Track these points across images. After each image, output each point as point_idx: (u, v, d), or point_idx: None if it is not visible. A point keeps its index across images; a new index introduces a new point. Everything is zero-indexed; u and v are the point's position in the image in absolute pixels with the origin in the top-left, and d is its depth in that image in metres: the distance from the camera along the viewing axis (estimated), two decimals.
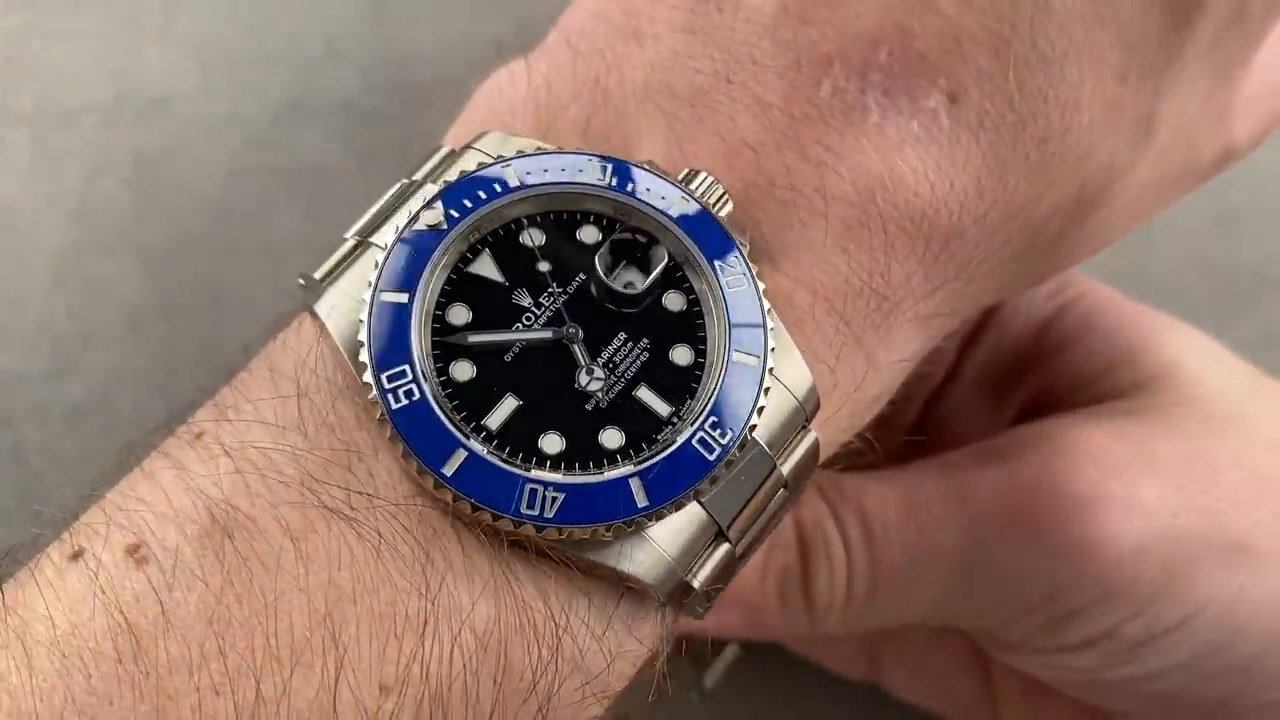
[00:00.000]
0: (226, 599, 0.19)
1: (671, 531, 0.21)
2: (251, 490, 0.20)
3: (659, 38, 0.23)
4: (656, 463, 0.20)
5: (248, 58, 0.45)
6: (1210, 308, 0.42)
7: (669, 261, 0.22)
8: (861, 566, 0.29)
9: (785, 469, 0.22)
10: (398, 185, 0.23)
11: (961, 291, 0.24)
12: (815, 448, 0.22)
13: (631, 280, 0.22)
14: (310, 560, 0.19)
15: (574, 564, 0.20)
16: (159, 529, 0.19)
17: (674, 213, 0.21)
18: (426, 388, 0.20)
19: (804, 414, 0.22)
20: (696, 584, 0.21)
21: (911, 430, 0.34)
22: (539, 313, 0.21)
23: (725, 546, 0.21)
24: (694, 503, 0.21)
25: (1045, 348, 0.32)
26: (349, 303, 0.21)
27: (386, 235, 0.22)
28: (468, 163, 0.22)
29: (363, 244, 0.22)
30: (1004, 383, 0.33)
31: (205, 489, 0.20)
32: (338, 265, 0.22)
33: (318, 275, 0.22)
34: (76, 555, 0.20)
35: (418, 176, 0.23)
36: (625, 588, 0.21)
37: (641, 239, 0.22)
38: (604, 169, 0.22)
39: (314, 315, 0.22)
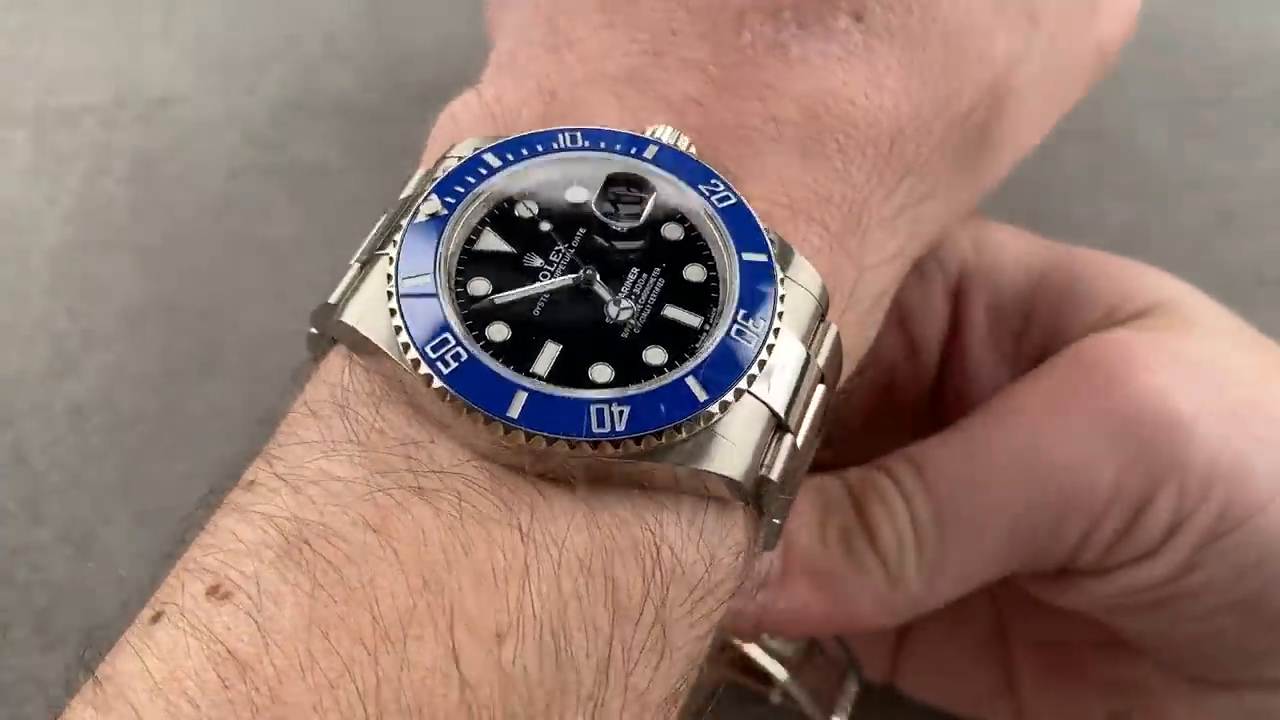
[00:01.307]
0: (320, 599, 0.19)
1: (737, 428, 0.21)
2: (317, 502, 0.20)
3: (584, 39, 0.25)
4: (704, 360, 0.21)
5: (248, 58, 0.45)
6: None
7: (657, 194, 0.23)
8: (922, 505, 0.28)
9: (820, 361, 0.23)
10: (385, 215, 0.23)
11: (917, 188, 0.26)
12: (838, 341, 0.24)
13: (628, 220, 0.23)
14: (396, 542, 0.19)
15: (654, 482, 0.21)
16: (234, 563, 0.19)
17: (648, 156, 0.23)
18: (471, 347, 0.21)
19: (820, 306, 0.23)
20: (774, 475, 0.22)
21: (930, 401, 0.34)
22: (553, 267, 0.22)
23: (788, 438, 0.22)
24: (749, 396, 0.21)
25: (1042, 302, 0.32)
26: (373, 305, 0.22)
27: (389, 248, 0.22)
28: (448, 165, 0.23)
29: (369, 260, 0.22)
30: (1010, 342, 0.33)
31: (271, 515, 0.20)
32: (350, 285, 0.22)
33: (333, 299, 0.22)
34: (158, 616, 0.19)
35: (403, 196, 0.24)
36: (709, 497, 0.22)
37: (630, 185, 0.23)
38: (573, 137, 0.23)
39: (334, 342, 0.22)
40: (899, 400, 0.33)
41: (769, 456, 0.22)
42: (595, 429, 0.20)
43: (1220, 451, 0.27)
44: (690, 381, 0.21)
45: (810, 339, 0.23)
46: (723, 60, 0.25)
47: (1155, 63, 0.47)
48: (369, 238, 0.23)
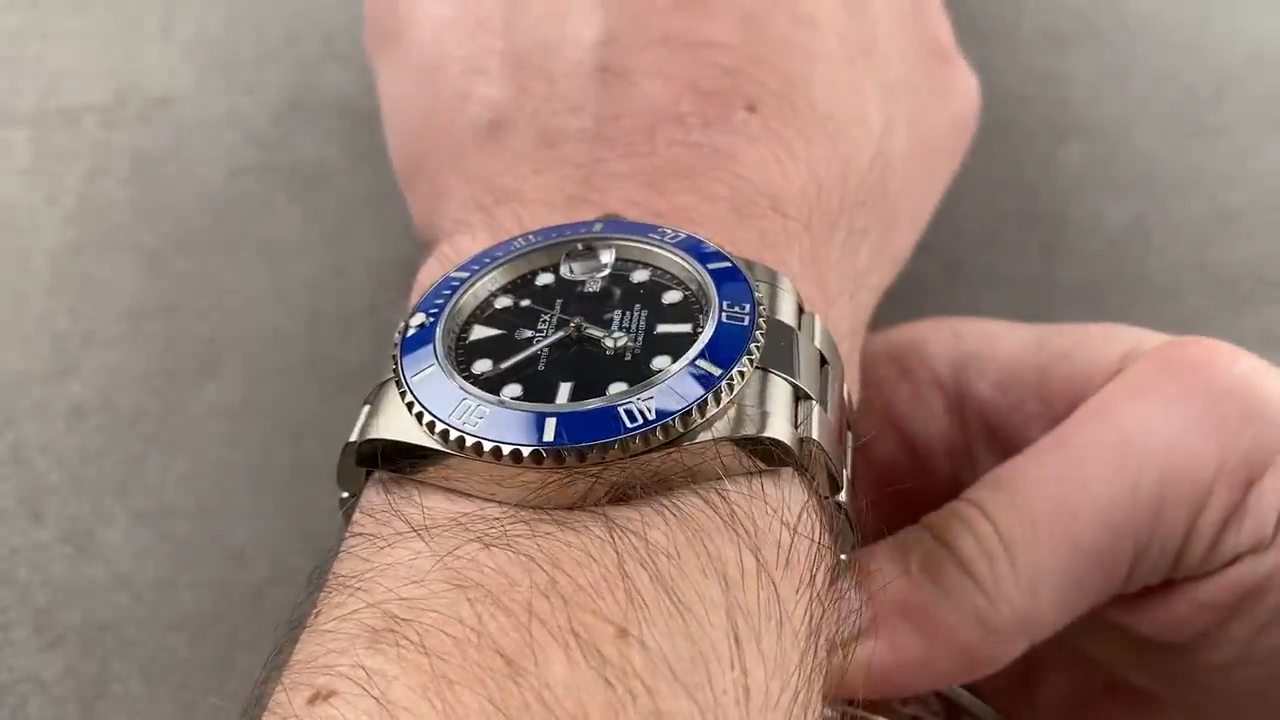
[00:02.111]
0: (433, 657, 0.19)
1: (764, 399, 0.22)
2: (391, 587, 0.20)
3: (520, 189, 0.28)
4: (707, 345, 0.22)
5: (248, 58, 0.45)
6: (1210, 308, 0.42)
7: (614, 250, 0.25)
8: (1007, 516, 0.27)
9: (816, 343, 0.24)
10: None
11: (850, 234, 0.28)
12: (826, 327, 0.25)
13: (595, 278, 0.25)
14: (485, 588, 0.20)
15: (701, 472, 0.22)
16: (326, 668, 0.19)
17: (596, 229, 0.25)
18: (493, 403, 0.22)
19: (797, 299, 0.24)
20: (814, 434, 0.22)
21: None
22: (544, 331, 0.24)
23: (814, 405, 0.23)
24: (761, 372, 0.23)
25: (1056, 359, 0.31)
26: (391, 417, 0.23)
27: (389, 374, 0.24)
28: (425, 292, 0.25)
29: (375, 394, 0.24)
30: (1034, 400, 0.32)
31: (346, 615, 0.20)
32: (367, 418, 0.23)
33: (353, 438, 0.23)
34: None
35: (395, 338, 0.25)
36: (760, 471, 0.22)
37: (586, 248, 0.25)
38: (526, 238, 0.25)
39: (355, 498, 0.23)
40: (915, 516, 0.31)
41: (800, 418, 0.22)
42: (629, 425, 0.21)
43: None
44: (701, 363, 0.22)
45: (798, 326, 0.24)
46: (647, 167, 0.27)
47: (1155, 63, 0.47)
48: (369, 393, 0.24)
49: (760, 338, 0.23)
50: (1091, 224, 0.43)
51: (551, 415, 0.21)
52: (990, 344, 0.32)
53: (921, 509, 0.31)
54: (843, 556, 0.24)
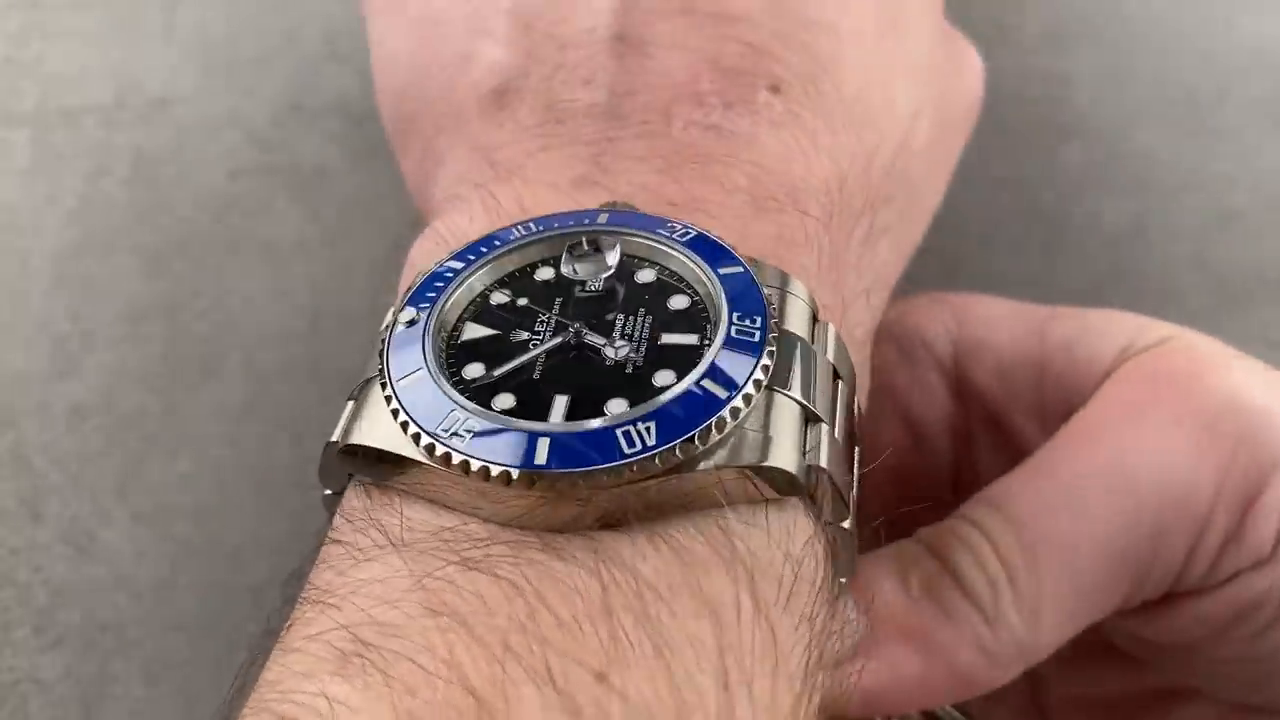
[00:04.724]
0: (397, 690, 0.18)
1: (769, 423, 0.21)
2: (363, 606, 0.19)
3: (524, 165, 0.26)
4: (714, 362, 0.21)
5: (248, 58, 0.45)
6: (1210, 308, 0.42)
7: (619, 246, 0.23)
8: (1007, 539, 0.26)
9: (829, 356, 0.23)
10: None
11: (869, 231, 0.27)
12: (840, 339, 0.23)
13: (598, 277, 0.23)
14: (461, 616, 0.18)
15: (701, 499, 0.20)
16: (291, 693, 0.18)
17: (601, 221, 0.24)
18: (482, 417, 0.20)
19: (811, 308, 0.23)
20: (822, 461, 0.21)
21: (951, 489, 0.32)
22: (540, 335, 0.22)
23: (824, 427, 0.22)
24: (769, 391, 0.21)
25: (1055, 351, 0.31)
26: (375, 420, 0.21)
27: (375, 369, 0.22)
28: (416, 282, 0.23)
29: (360, 390, 0.22)
30: (1031, 395, 0.31)
31: (314, 635, 0.19)
32: (348, 418, 0.22)
33: (334, 438, 0.22)
34: None
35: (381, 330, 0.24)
36: (764, 500, 0.21)
37: (590, 245, 0.23)
38: (525, 227, 0.24)
39: (339, 497, 0.22)
40: (917, 496, 0.32)
41: (809, 444, 0.21)
42: (627, 451, 0.20)
43: None
44: (706, 383, 0.21)
45: (812, 338, 0.23)
46: (661, 150, 0.25)
47: (1155, 63, 0.47)
48: (354, 388, 0.23)
49: (771, 356, 0.21)
50: (1091, 224, 0.43)
51: (545, 435, 0.20)
52: (990, 330, 0.31)
53: (922, 490, 0.31)
54: (842, 580, 0.23)
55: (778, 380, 0.21)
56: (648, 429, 0.20)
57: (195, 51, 0.44)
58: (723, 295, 0.22)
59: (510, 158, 0.26)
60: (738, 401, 0.20)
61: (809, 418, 0.21)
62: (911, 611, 0.27)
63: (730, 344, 0.21)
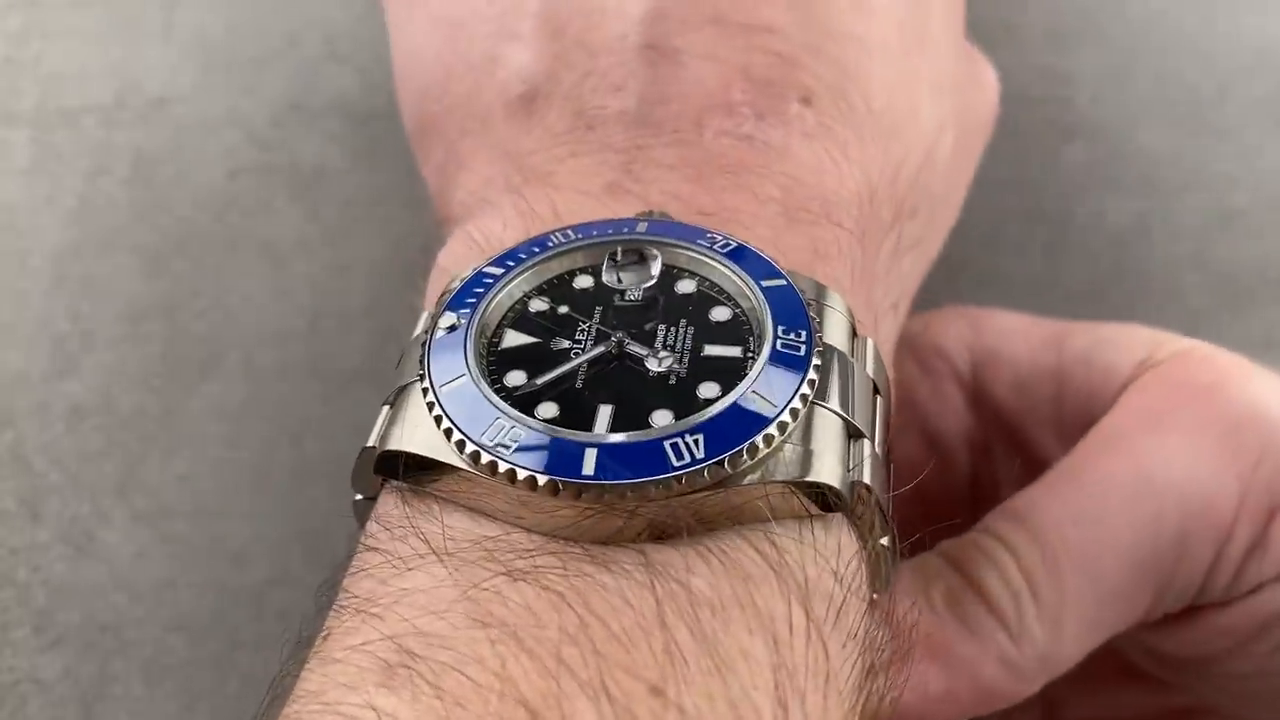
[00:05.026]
0: (447, 703, 0.17)
1: (814, 438, 0.21)
2: (407, 617, 0.18)
3: (555, 171, 0.26)
4: (759, 376, 0.21)
5: (248, 58, 0.45)
6: (1210, 308, 0.42)
7: (660, 256, 0.23)
8: (1030, 551, 0.26)
9: (869, 371, 0.23)
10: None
11: (898, 243, 0.27)
12: (878, 353, 0.23)
13: (639, 286, 0.23)
14: (510, 628, 0.18)
15: (747, 514, 0.20)
16: (334, 706, 0.18)
17: (641, 230, 0.23)
18: (527, 426, 0.20)
19: (850, 322, 0.23)
20: (866, 478, 0.21)
21: (970, 504, 0.32)
22: (582, 343, 0.22)
23: (866, 443, 0.21)
24: (814, 406, 0.21)
25: (1073, 364, 0.31)
26: (416, 425, 0.21)
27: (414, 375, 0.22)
28: (453, 287, 0.23)
29: (397, 396, 0.22)
30: (1048, 407, 0.31)
31: (357, 645, 0.18)
32: (385, 422, 0.22)
33: (372, 442, 0.21)
34: None
35: (413, 338, 0.23)
36: (809, 515, 0.21)
37: (631, 255, 0.23)
38: (565, 234, 0.23)
39: (373, 502, 0.22)
40: (936, 509, 0.32)
41: (853, 461, 0.21)
42: (675, 463, 0.19)
43: None
44: (753, 398, 0.20)
45: (851, 351, 0.23)
46: (693, 159, 0.25)
47: (1155, 63, 0.46)
48: (390, 393, 0.22)
49: (816, 371, 0.21)
50: (1094, 224, 0.43)
51: (592, 446, 0.20)
52: (1008, 343, 0.31)
53: (941, 505, 0.31)
54: (874, 595, 0.23)
55: (820, 395, 0.21)
56: (696, 441, 0.20)
57: (195, 51, 0.44)
58: (767, 308, 0.22)
59: (539, 164, 0.26)
60: (784, 416, 0.20)
61: (851, 433, 0.21)
62: (935, 626, 0.26)
63: (776, 358, 0.21)
